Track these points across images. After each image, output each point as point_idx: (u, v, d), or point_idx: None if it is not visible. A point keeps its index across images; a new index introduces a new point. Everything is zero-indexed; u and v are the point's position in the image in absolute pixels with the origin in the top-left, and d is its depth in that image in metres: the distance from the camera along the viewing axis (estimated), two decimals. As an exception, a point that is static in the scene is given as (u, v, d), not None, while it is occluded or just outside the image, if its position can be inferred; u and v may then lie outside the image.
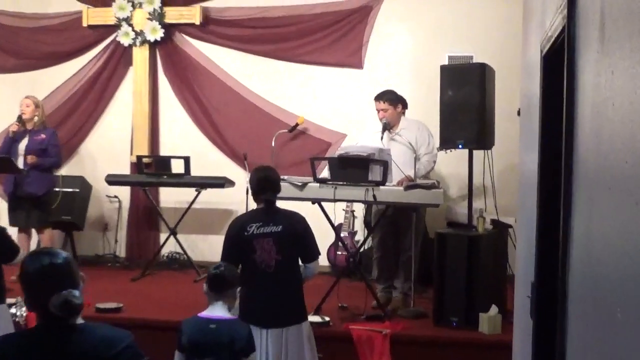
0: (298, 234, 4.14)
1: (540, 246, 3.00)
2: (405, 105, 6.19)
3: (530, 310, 3.14)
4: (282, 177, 5.49)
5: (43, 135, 6.80)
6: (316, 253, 4.22)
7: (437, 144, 5.87)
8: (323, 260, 7.12)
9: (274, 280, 4.04)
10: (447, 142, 5.61)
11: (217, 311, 3.54)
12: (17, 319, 4.84)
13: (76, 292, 2.33)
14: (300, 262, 4.17)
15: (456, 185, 7.30)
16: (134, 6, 7.70)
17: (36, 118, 6.83)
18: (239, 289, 3.67)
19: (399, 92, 6.12)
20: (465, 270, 5.28)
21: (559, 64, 2.45)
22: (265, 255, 4.04)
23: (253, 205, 4.32)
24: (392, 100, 5.90)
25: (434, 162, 6.00)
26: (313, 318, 4.99)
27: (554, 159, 2.70)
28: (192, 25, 7.70)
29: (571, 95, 2.24)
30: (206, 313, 3.56)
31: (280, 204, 4.29)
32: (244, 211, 7.15)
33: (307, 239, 4.19)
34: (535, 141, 3.11)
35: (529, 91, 3.92)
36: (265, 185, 4.16)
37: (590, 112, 1.95)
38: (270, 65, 7.69)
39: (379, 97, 5.93)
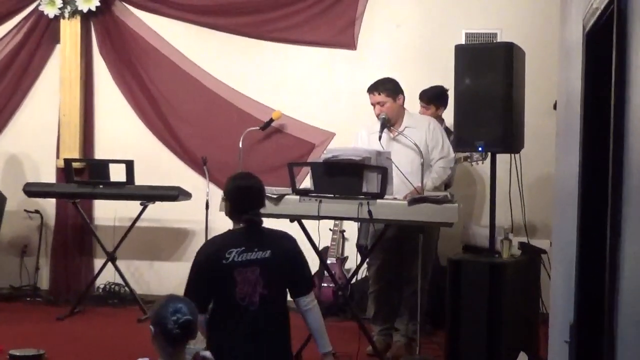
0: (290, 260, 4.14)
1: (582, 278, 3.00)
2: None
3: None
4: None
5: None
6: (310, 282, 4.27)
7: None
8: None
9: (257, 321, 4.02)
10: (463, 143, 5.59)
11: None
12: None
13: None
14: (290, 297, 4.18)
15: (474, 198, 7.30)
16: (62, -34, 7.68)
17: None
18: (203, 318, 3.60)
19: (401, 81, 6.12)
20: (486, 307, 5.26)
21: (606, 44, 2.45)
22: (248, 289, 4.02)
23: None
24: (390, 91, 5.89)
25: (451, 168, 6.01)
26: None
27: (600, 165, 2.69)
28: (137, -9, 7.73)
29: (621, 84, 2.23)
30: None
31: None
32: (203, 231, 7.16)
33: (302, 268, 4.21)
34: (576, 142, 3.11)
35: (567, 79, 3.93)
36: (248, 198, 4.15)
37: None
38: (237, 44, 7.69)
39: (374, 88, 5.92)
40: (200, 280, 4.06)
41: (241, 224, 4.15)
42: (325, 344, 4.25)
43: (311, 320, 4.21)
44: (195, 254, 4.17)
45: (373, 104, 5.90)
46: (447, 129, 6.49)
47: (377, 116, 5.87)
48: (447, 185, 6.49)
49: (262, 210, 5.15)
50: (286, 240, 4.22)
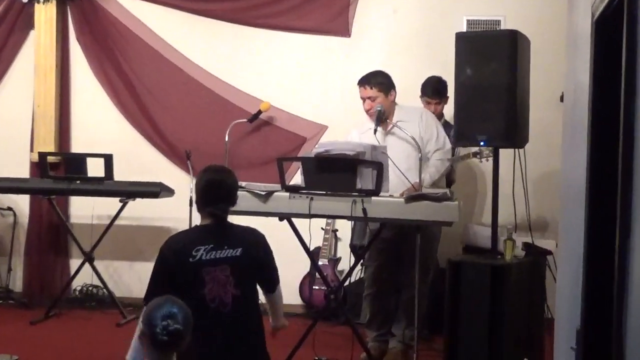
0: (260, 257, 4.19)
1: (589, 280, 3.00)
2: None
3: (575, 367, 3.14)
4: (238, 183, 5.49)
5: None
6: (277, 278, 4.36)
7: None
8: (295, 298, 7.11)
9: (230, 324, 4.01)
10: (464, 138, 5.59)
11: None
12: None
13: None
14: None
15: (476, 196, 7.31)
16: (36, -54, 7.66)
17: None
18: None
19: (398, 71, 6.12)
20: (488, 312, 5.26)
21: (616, 32, 2.44)
22: (219, 289, 4.01)
23: (198, 221, 4.29)
24: (383, 86, 5.86)
25: (449, 160, 6.00)
26: (280, 377, 4.97)
27: (609, 161, 2.69)
28: (117, -27, 7.70)
29: (632, 74, 2.23)
30: None
31: (236, 221, 4.27)
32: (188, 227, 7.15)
33: (270, 262, 4.30)
34: (584, 137, 3.11)
35: (575, 69, 3.93)
36: (216, 192, 4.13)
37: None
38: (223, 31, 7.67)
39: (365, 81, 5.89)
40: (164, 280, 4.02)
41: (207, 220, 4.14)
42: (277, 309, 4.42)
43: (277, 301, 4.40)
44: (158, 250, 4.12)
45: (363, 99, 5.88)
46: (446, 123, 6.50)
47: (367, 112, 5.86)
48: (450, 181, 6.50)
49: (250, 208, 5.17)
50: (256, 236, 4.25)
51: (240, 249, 4.07)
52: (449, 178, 6.44)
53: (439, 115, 6.49)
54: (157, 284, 4.03)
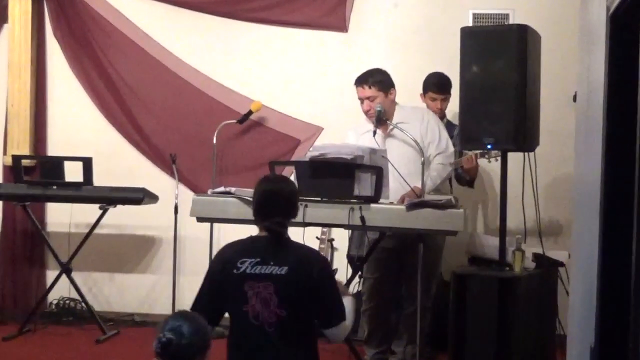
0: (311, 281, 3.98)
1: (604, 294, 2.99)
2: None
3: (589, 388, 3.14)
4: (227, 189, 5.48)
5: None
6: (340, 313, 4.08)
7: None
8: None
9: (274, 346, 3.94)
10: (469, 140, 5.59)
11: None
12: None
13: None
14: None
15: (482, 203, 7.31)
16: None
17: None
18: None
19: (399, 68, 6.12)
20: (495, 328, 5.26)
21: (632, 27, 2.44)
22: (262, 307, 3.95)
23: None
24: (382, 85, 5.86)
25: (451, 164, 6.00)
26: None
27: (625, 165, 2.69)
28: (98, -36, 7.69)
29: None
30: None
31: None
32: (172, 238, 7.14)
33: (326, 291, 4.04)
34: (598, 139, 3.11)
35: (589, 67, 3.93)
36: (270, 203, 4.10)
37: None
38: (211, 26, 7.67)
39: (363, 80, 5.89)
40: (209, 290, 4.04)
41: (263, 232, 4.12)
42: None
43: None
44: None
45: (361, 99, 5.88)
46: (449, 123, 6.49)
47: (366, 113, 5.86)
48: (470, 181, 6.47)
49: (239, 215, 5.14)
50: (311, 258, 4.08)
51: (286, 268, 3.96)
52: (467, 178, 6.44)
53: (442, 114, 6.48)
54: (201, 293, 4.05)
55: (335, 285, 4.12)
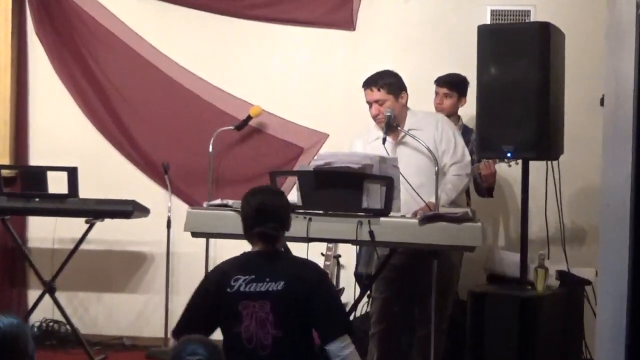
0: (309, 293, 4.08)
1: (635, 315, 2.99)
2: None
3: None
4: (225, 201, 5.48)
5: None
6: (343, 325, 4.14)
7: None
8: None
9: None
10: (487, 147, 5.60)
11: None
12: None
13: None
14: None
15: (503, 215, 7.29)
16: None
17: None
18: None
19: (410, 70, 6.11)
20: (516, 352, 5.26)
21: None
22: (257, 328, 4.00)
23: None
24: (392, 87, 5.85)
25: (467, 175, 5.99)
26: None
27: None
28: (83, -42, 7.72)
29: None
30: None
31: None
32: (164, 255, 7.14)
33: (327, 303, 4.13)
34: (628, 146, 3.10)
35: (617, 68, 3.93)
36: (260, 216, 4.16)
37: None
38: (207, 24, 7.69)
39: (372, 83, 5.87)
40: (201, 306, 4.09)
41: (255, 247, 4.15)
42: None
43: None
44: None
45: (369, 102, 5.86)
46: (465, 127, 6.49)
47: (374, 118, 5.85)
48: (489, 190, 6.46)
49: (237, 230, 5.13)
50: (308, 269, 4.19)
51: (282, 283, 4.04)
52: (486, 186, 6.44)
53: (449, 114, 6.46)
54: (188, 312, 4.10)
55: (337, 295, 4.21)
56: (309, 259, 5.08)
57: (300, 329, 4.08)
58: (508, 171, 6.15)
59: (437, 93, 6.62)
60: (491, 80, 5.53)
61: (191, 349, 3.35)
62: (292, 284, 4.05)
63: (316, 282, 4.14)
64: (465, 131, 6.38)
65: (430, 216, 5.24)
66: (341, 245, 6.99)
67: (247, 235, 4.22)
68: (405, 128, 5.83)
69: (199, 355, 3.30)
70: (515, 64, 5.46)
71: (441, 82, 6.61)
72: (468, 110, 6.49)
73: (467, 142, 6.08)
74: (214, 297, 4.05)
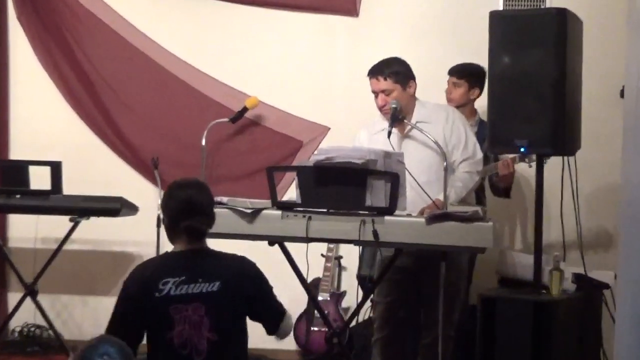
0: (248, 292, 4.15)
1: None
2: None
3: None
4: (219, 198, 5.46)
5: None
6: (281, 310, 4.35)
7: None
8: (288, 342, 7.07)
9: None
10: (499, 142, 5.60)
11: None
12: None
13: None
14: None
15: (520, 215, 7.29)
16: None
17: None
18: None
19: (417, 59, 6.11)
20: (530, 359, 5.25)
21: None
22: (191, 333, 4.01)
23: (167, 246, 4.28)
24: (399, 76, 5.83)
25: (478, 172, 5.98)
26: None
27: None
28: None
29: None
30: None
31: (211, 244, 4.27)
32: (154, 255, 7.11)
33: (267, 296, 4.26)
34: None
35: (639, 57, 3.91)
36: (187, 211, 4.15)
37: None
38: (200, 10, 7.70)
39: (378, 71, 5.86)
40: (126, 316, 4.07)
41: (180, 246, 4.16)
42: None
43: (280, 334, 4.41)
44: (121, 283, 4.19)
45: (375, 92, 5.84)
46: (482, 122, 6.48)
47: (380, 108, 5.83)
48: (506, 190, 6.46)
49: (232, 229, 5.15)
50: (242, 266, 4.24)
51: (217, 283, 4.07)
52: (502, 186, 6.44)
53: (459, 104, 6.45)
54: (116, 324, 4.07)
55: (271, 287, 4.32)
56: (313, 263, 5.16)
57: (236, 330, 4.15)
58: (527, 170, 6.12)
59: (448, 83, 6.62)
60: (504, 70, 5.53)
61: (104, 349, 3.42)
62: (229, 284, 4.09)
63: (256, 277, 4.25)
64: (482, 126, 6.37)
65: (438, 215, 5.23)
66: (343, 246, 7.01)
67: (172, 231, 4.20)
68: (413, 120, 5.80)
69: (110, 356, 3.38)
70: (530, 52, 5.46)
71: (451, 70, 6.61)
72: (484, 103, 6.48)
73: (484, 138, 6.06)
74: (141, 303, 4.04)
